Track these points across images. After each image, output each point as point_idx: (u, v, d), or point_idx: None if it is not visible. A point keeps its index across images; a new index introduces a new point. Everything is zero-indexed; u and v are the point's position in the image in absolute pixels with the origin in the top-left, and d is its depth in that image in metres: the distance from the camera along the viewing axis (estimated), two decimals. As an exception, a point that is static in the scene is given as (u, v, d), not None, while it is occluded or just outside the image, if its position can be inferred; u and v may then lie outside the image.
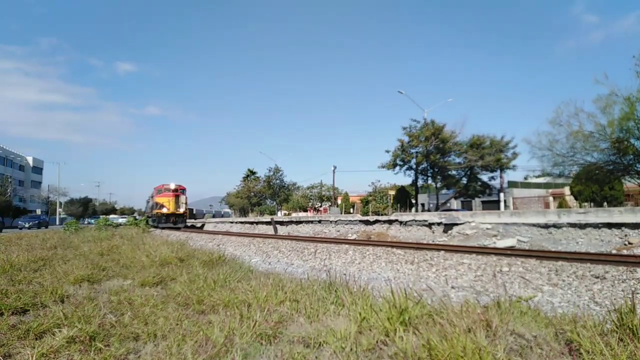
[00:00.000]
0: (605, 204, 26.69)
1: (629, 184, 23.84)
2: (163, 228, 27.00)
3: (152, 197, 33.50)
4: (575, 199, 30.03)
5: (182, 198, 29.25)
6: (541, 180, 45.56)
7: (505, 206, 30.56)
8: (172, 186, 29.43)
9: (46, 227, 36.96)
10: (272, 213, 46.24)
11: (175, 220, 28.04)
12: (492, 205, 36.10)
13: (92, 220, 46.04)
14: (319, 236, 20.05)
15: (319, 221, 24.05)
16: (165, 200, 28.37)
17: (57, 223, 55.09)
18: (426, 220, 17.67)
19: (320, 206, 57.32)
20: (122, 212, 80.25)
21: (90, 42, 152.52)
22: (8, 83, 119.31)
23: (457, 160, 32.03)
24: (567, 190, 33.06)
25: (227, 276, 4.76)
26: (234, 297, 3.68)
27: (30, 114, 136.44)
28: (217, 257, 6.95)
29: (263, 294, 3.64)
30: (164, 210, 27.90)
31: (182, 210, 28.86)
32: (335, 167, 44.86)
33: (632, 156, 19.13)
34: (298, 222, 25.69)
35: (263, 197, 54.80)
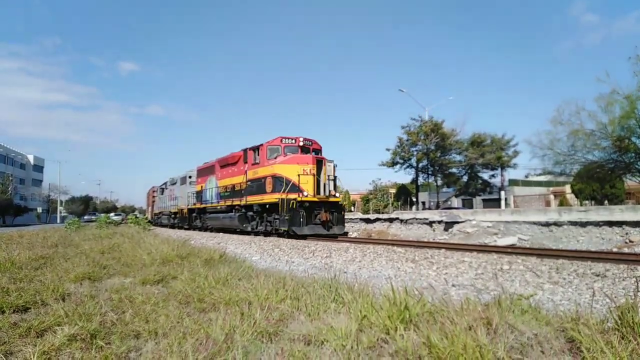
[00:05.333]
0: (606, 202, 26.69)
1: (630, 182, 23.83)
2: (301, 236, 12.22)
3: (219, 168, 17.81)
4: (576, 197, 30.01)
5: (330, 168, 13.72)
6: (542, 178, 45.47)
7: (506, 204, 30.53)
8: (302, 142, 14.06)
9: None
10: (273, 211, 45.98)
11: (328, 219, 12.77)
12: (493, 203, 36.12)
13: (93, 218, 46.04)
14: (319, 234, 20.01)
15: (320, 219, 23.95)
16: (299, 170, 12.70)
17: (58, 221, 55.24)
18: (427, 219, 17.66)
19: (321, 204, 57.16)
20: (123, 210, 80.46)
21: (93, 41, 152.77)
22: (11, 83, 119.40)
23: (458, 158, 32.10)
24: (568, 188, 33.06)
25: (228, 274, 4.76)
26: (234, 295, 3.69)
27: (32, 113, 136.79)
28: (218, 255, 6.95)
29: (264, 292, 3.64)
30: (303, 197, 12.35)
31: (335, 193, 13.59)
32: (335, 166, 44.82)
33: (633, 154, 19.14)
34: (299, 221, 25.57)
35: (264, 195, 54.77)
